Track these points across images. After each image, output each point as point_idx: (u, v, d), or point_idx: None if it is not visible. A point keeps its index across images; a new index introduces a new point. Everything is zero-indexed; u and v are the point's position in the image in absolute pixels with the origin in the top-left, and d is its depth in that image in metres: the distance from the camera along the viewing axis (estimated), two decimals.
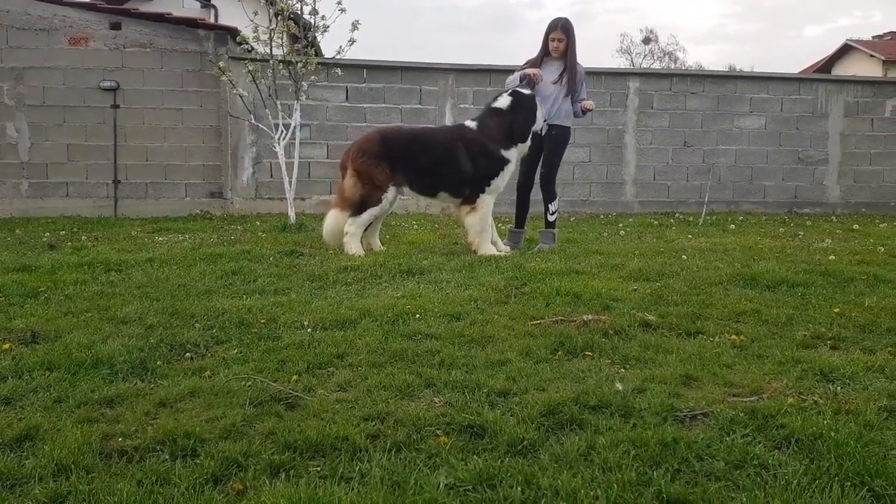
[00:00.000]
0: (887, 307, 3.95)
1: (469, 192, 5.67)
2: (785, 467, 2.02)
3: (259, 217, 9.00)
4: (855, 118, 10.76)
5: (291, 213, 7.67)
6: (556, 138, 6.06)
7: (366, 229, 5.80)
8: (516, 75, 5.98)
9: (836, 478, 1.94)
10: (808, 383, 2.75)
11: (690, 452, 2.09)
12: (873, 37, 37.04)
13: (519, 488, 1.84)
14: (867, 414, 2.42)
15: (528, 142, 5.79)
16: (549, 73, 6.00)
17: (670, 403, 2.48)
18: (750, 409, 2.43)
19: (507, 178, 5.78)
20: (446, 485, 1.88)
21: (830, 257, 5.66)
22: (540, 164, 6.11)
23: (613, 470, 1.95)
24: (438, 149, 5.68)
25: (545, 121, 5.99)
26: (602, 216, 9.60)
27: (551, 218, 6.16)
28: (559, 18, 6.05)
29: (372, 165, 5.57)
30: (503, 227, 6.55)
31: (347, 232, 5.64)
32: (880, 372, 2.90)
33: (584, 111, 6.12)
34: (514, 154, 5.72)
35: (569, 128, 6.17)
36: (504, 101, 5.72)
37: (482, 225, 5.66)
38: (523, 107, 5.71)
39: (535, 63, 6.08)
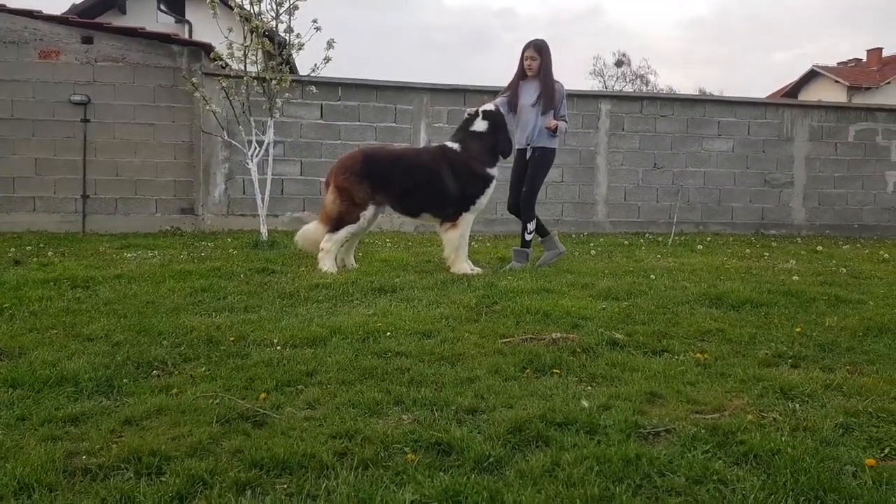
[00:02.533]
0: (847, 327, 4.05)
1: (452, 211, 5.73)
2: (743, 482, 2.06)
3: (231, 234, 8.95)
4: (819, 142, 11.06)
5: (263, 230, 7.63)
6: (539, 159, 6.11)
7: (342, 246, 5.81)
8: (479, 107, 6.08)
9: (792, 492, 1.99)
10: (769, 401, 2.82)
11: (652, 468, 2.13)
12: (838, 63, 38.17)
13: None
14: (824, 430, 2.48)
15: (510, 154, 5.95)
16: (528, 96, 6.08)
17: (634, 420, 2.52)
18: (711, 425, 2.48)
19: (489, 197, 5.85)
20: (412, 501, 1.90)
21: (794, 278, 5.79)
22: (525, 183, 6.17)
23: (577, 485, 1.98)
24: (422, 170, 5.72)
25: (528, 144, 6.08)
26: (574, 235, 9.71)
27: (528, 237, 6.21)
28: (533, 39, 6.14)
29: (353, 183, 5.61)
30: (508, 246, 6.61)
31: (323, 248, 5.66)
32: (838, 390, 2.97)
33: (550, 129, 6.06)
34: (496, 172, 5.83)
35: (552, 148, 6.18)
36: (481, 126, 5.80)
37: (460, 241, 5.72)
38: (500, 126, 5.84)
39: (513, 86, 6.17)
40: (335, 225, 5.65)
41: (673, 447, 2.33)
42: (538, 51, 6.04)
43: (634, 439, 2.37)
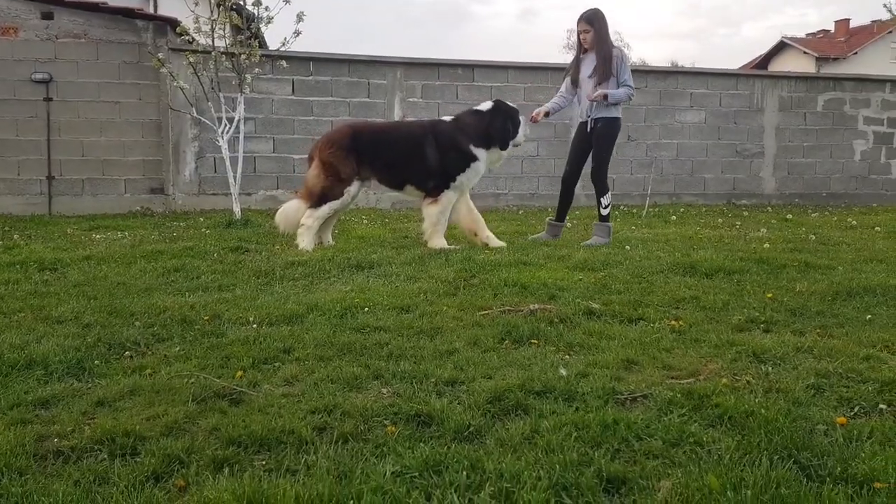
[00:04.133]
0: (817, 291, 4.13)
1: (433, 185, 5.61)
2: (718, 443, 2.10)
3: (203, 213, 8.82)
4: (789, 112, 11.17)
5: (236, 209, 7.53)
6: (602, 131, 6.00)
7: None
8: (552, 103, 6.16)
9: (766, 451, 2.02)
10: (742, 364, 2.86)
11: (630, 433, 2.15)
12: (807, 34, 38.53)
13: (464, 473, 1.87)
14: (796, 392, 2.53)
15: (506, 151, 5.77)
16: (587, 69, 5.99)
17: (612, 387, 2.55)
18: (687, 390, 2.51)
19: (474, 179, 5.71)
20: (393, 472, 1.89)
21: (765, 245, 5.88)
22: (590, 158, 6.12)
23: (556, 451, 1.99)
24: (407, 141, 5.62)
25: (588, 116, 5.99)
26: (550, 209, 9.69)
27: (604, 212, 6.14)
28: (584, 11, 6.01)
29: (340, 158, 5.48)
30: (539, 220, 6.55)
31: (303, 224, 5.53)
32: (809, 352, 3.02)
33: (590, 100, 5.91)
34: (484, 155, 5.63)
35: (615, 118, 6.03)
36: (485, 105, 5.74)
37: (439, 217, 5.60)
38: (503, 113, 5.70)
39: (575, 62, 6.12)
40: (318, 200, 5.53)
41: (650, 412, 2.35)
42: (589, 22, 5.92)
43: (612, 405, 2.40)
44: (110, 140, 9.31)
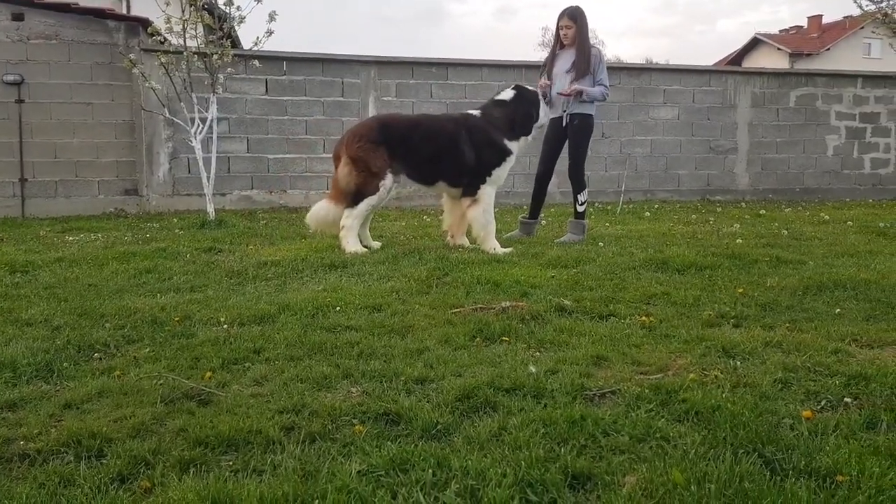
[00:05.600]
0: (787, 286, 4.17)
1: (468, 182, 5.47)
2: (685, 438, 2.11)
3: (177, 214, 8.74)
4: (762, 108, 11.29)
5: (210, 210, 7.48)
6: (578, 127, 6.01)
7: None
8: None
9: (731, 445, 2.04)
10: (711, 359, 2.89)
11: (597, 428, 2.16)
12: (780, 31, 38.97)
13: (430, 470, 1.87)
14: (763, 386, 2.56)
15: (531, 136, 5.74)
16: (563, 64, 6.00)
17: (581, 383, 2.56)
18: (655, 385, 2.53)
19: (507, 170, 5.64)
20: (359, 471, 1.89)
21: (738, 241, 5.94)
22: (567, 155, 6.12)
23: (523, 448, 2.00)
24: (440, 136, 5.44)
25: (564, 111, 5.97)
26: (525, 207, 9.72)
27: (580, 209, 6.14)
28: (567, 7, 6.02)
29: (369, 151, 5.25)
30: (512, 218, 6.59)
31: (344, 226, 5.29)
32: (778, 347, 3.06)
33: (564, 95, 5.92)
34: (516, 147, 5.59)
35: (590, 115, 6.06)
36: (508, 94, 5.67)
37: (486, 217, 5.42)
38: (526, 100, 5.65)
39: (549, 57, 6.10)
40: (354, 199, 5.28)
41: (618, 407, 2.37)
42: (573, 18, 5.95)
43: (580, 401, 2.41)
44: (83, 141, 9.20)
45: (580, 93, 5.88)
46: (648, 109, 10.86)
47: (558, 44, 6.09)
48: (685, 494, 1.77)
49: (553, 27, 6.18)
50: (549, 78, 6.07)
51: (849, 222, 7.56)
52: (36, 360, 2.90)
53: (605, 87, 6.04)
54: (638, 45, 73.38)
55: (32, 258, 5.27)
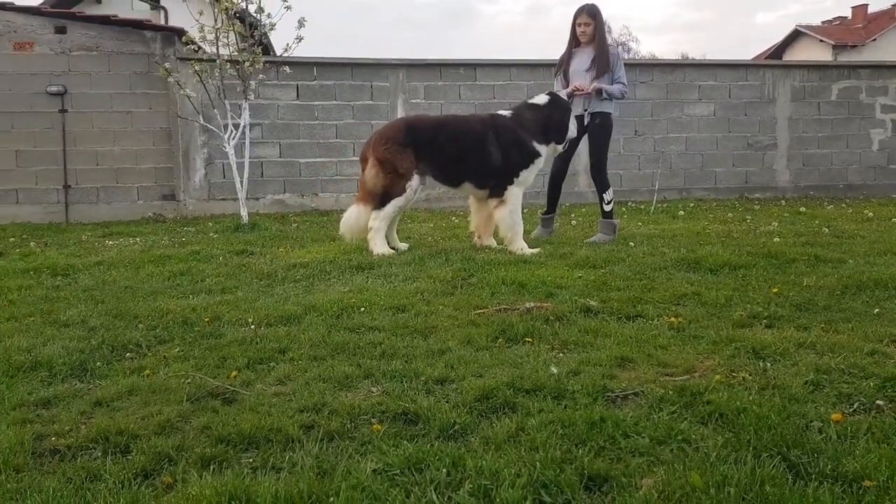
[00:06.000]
0: (825, 286, 4.06)
1: (495, 183, 5.44)
2: (707, 441, 2.07)
3: (212, 218, 8.91)
4: (802, 102, 11.01)
5: (244, 213, 7.60)
6: (599, 126, 5.99)
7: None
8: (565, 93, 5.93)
9: (754, 449, 1.99)
10: (740, 361, 2.83)
11: (617, 430, 2.14)
12: (822, 22, 37.91)
13: (445, 470, 1.87)
14: (793, 388, 2.49)
15: (562, 145, 5.71)
16: (581, 62, 5.97)
17: (603, 384, 2.53)
18: (679, 387, 2.49)
19: (535, 173, 5.60)
20: (374, 470, 1.90)
21: (775, 239, 5.80)
22: (588, 154, 6.10)
23: (539, 449, 1.99)
24: (467, 136, 5.42)
25: (585, 110, 5.95)
26: (540, 207, 9.67)
27: (607, 208, 6.08)
28: (584, 4, 5.99)
29: (395, 153, 5.25)
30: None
31: (371, 227, 5.28)
32: (811, 348, 2.97)
33: (577, 90, 5.89)
34: (544, 150, 5.55)
35: (609, 113, 6.03)
36: (542, 99, 5.65)
37: (513, 218, 5.38)
38: (560, 107, 5.63)
39: (565, 55, 6.05)
40: (381, 200, 5.27)
41: (640, 409, 2.34)
42: (592, 15, 5.92)
43: (601, 403, 2.39)
44: (123, 149, 9.45)
45: (600, 91, 5.83)
46: (683, 106, 10.68)
47: (573, 41, 6.04)
48: (703, 498, 1.73)
49: (571, 26, 6.08)
50: (566, 76, 6.02)
51: (894, 219, 7.32)
52: (71, 359, 2.99)
53: (624, 84, 5.99)
54: (674, 41, 72.31)
55: (73, 262, 5.43)
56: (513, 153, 5.42)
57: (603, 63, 5.87)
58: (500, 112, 5.70)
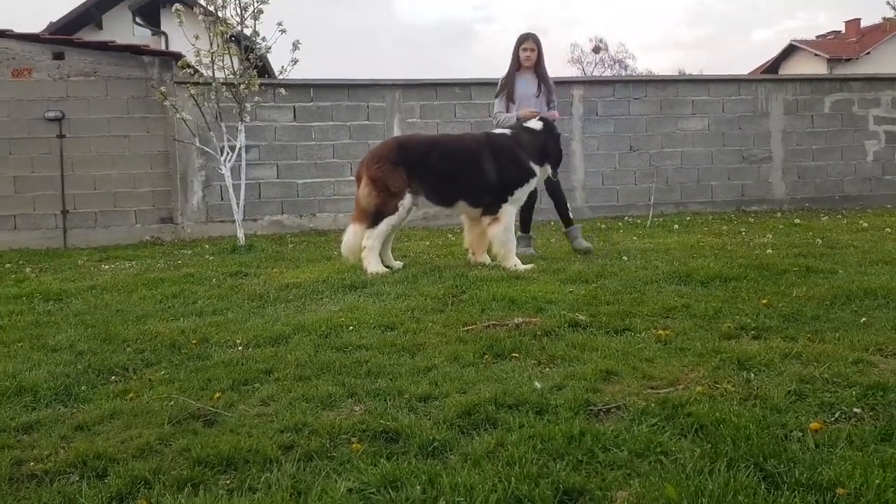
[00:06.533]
0: (814, 296, 4.05)
1: (490, 201, 5.46)
2: (685, 452, 2.07)
3: (210, 240, 8.94)
4: (795, 116, 11.06)
5: (240, 235, 7.63)
6: None
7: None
8: (511, 114, 6.04)
9: (731, 459, 1.99)
10: (724, 372, 2.82)
11: (596, 444, 2.13)
12: (817, 37, 38.11)
13: (420, 488, 1.87)
14: (775, 398, 2.49)
15: (555, 173, 5.80)
16: (527, 86, 6.18)
17: (586, 398, 2.53)
18: (662, 399, 2.49)
19: (528, 192, 5.66)
20: (350, 489, 1.90)
21: (768, 251, 5.80)
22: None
23: (516, 464, 1.99)
24: (461, 155, 5.47)
25: None
26: (553, 223, 9.67)
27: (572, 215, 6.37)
28: (528, 32, 6.28)
29: (388, 171, 5.29)
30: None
31: (365, 246, 5.31)
32: (797, 358, 2.97)
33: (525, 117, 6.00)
34: (538, 172, 5.62)
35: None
36: (536, 124, 5.71)
37: (507, 236, 5.42)
38: (555, 136, 5.76)
39: (510, 79, 6.18)
40: (374, 219, 5.31)
41: (621, 422, 2.33)
42: (536, 43, 6.17)
43: (583, 417, 2.38)
44: (121, 173, 9.51)
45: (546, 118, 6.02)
46: (677, 121, 10.74)
47: (516, 65, 6.20)
48: None
49: (513, 51, 6.24)
50: (513, 100, 6.14)
51: (887, 229, 7.32)
52: (56, 384, 2.99)
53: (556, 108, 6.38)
54: (671, 58, 72.59)
55: (67, 286, 5.45)
56: (510, 170, 5.47)
57: (550, 90, 6.19)
58: (494, 131, 5.76)
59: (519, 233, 6.25)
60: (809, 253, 5.72)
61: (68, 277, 6.16)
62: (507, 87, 6.20)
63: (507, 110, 6.17)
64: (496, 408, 2.47)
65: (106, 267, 6.81)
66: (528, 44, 6.15)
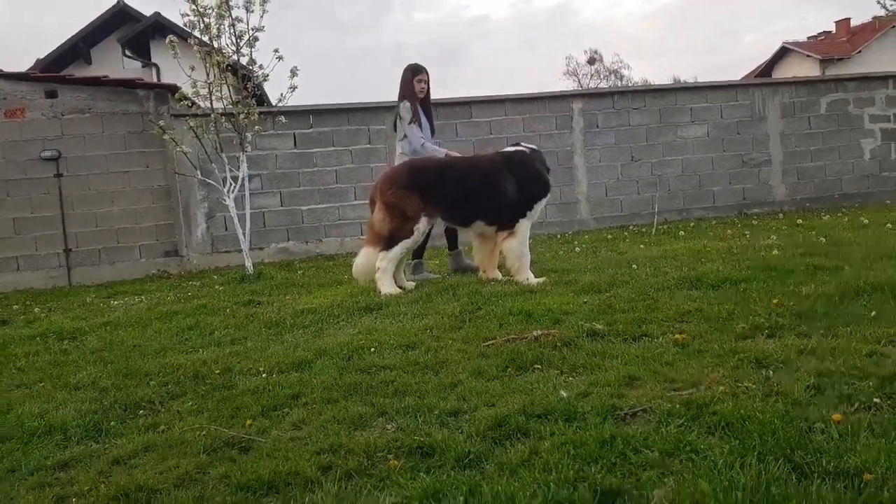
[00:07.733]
0: (824, 293, 4.10)
1: (507, 218, 5.51)
2: (714, 449, 2.12)
3: (217, 271, 8.98)
4: (792, 118, 11.17)
5: (248, 264, 7.67)
6: None
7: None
8: (432, 146, 6.09)
9: (760, 453, 2.04)
10: (743, 371, 2.87)
11: (627, 446, 2.18)
12: (808, 37, 38.43)
13: (462, 497, 1.91)
14: (795, 393, 2.55)
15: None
16: (425, 118, 6.25)
17: (612, 404, 2.58)
18: (686, 400, 2.54)
19: (543, 206, 5.74)
20: (393, 503, 1.94)
21: (774, 252, 5.86)
22: None
23: (552, 470, 2.03)
24: (477, 175, 5.53)
25: None
26: (559, 236, 9.77)
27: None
28: (420, 64, 6.34)
29: (402, 196, 5.34)
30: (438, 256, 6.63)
31: (379, 268, 5.37)
32: (812, 354, 3.03)
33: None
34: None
35: None
36: (529, 147, 5.89)
37: (521, 249, 5.47)
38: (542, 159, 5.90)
39: (417, 108, 6.16)
40: (388, 242, 5.36)
41: (649, 425, 2.38)
42: (428, 75, 6.27)
43: (611, 421, 2.43)
44: (122, 209, 9.51)
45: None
46: (677, 129, 10.84)
47: (417, 97, 6.21)
48: (712, 503, 1.77)
49: (405, 79, 6.25)
50: (422, 129, 6.16)
51: (888, 225, 7.39)
52: (85, 421, 3.03)
53: None
54: (664, 65, 73.24)
55: (79, 324, 5.48)
56: (532, 185, 5.57)
57: (432, 119, 6.33)
58: (508, 148, 5.86)
59: (413, 260, 6.29)
60: (814, 252, 5.77)
61: (79, 315, 6.19)
62: (416, 115, 6.15)
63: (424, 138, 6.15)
64: (525, 418, 2.51)
65: (115, 303, 6.84)
66: (423, 75, 6.21)
